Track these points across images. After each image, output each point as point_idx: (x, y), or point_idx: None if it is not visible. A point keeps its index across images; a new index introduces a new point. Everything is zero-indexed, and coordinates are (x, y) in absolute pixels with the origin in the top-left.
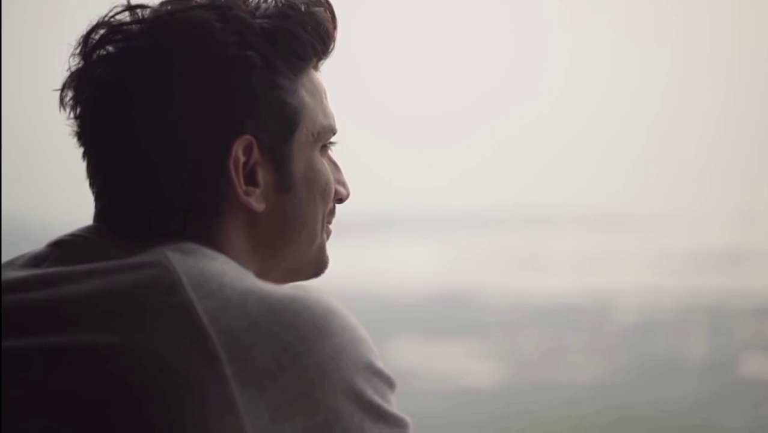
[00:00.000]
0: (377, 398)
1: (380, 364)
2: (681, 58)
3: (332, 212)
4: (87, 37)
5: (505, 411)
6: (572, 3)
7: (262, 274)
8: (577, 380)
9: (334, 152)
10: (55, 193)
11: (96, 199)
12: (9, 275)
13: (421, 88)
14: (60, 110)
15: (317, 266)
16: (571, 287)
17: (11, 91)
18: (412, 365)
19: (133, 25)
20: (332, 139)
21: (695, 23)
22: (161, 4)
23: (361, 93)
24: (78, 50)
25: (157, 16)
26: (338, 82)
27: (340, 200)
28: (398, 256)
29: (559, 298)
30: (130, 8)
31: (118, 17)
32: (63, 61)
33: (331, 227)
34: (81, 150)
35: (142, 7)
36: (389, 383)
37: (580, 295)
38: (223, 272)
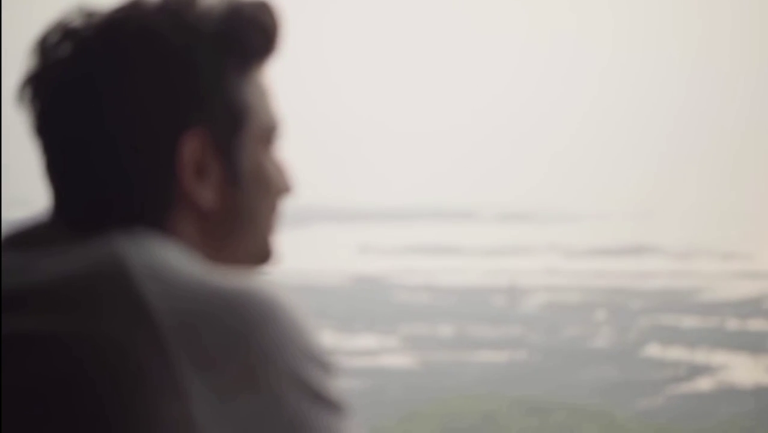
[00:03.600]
0: (318, 384)
1: (321, 351)
2: (590, 65)
3: (278, 206)
4: (43, 40)
5: (416, 391)
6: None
7: (211, 263)
8: (486, 362)
9: (280, 148)
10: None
11: (52, 192)
12: None
13: (353, 91)
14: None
15: (265, 256)
16: (483, 276)
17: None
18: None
19: (88, 29)
20: (278, 136)
21: (605, 31)
22: (114, 9)
23: (295, 94)
24: (35, 52)
25: (110, 20)
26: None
27: (285, 194)
28: (320, 246)
29: (470, 285)
30: (84, 13)
31: (73, 22)
32: None
33: (277, 219)
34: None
35: (96, 12)
36: (329, 369)
37: (492, 283)
38: (174, 261)
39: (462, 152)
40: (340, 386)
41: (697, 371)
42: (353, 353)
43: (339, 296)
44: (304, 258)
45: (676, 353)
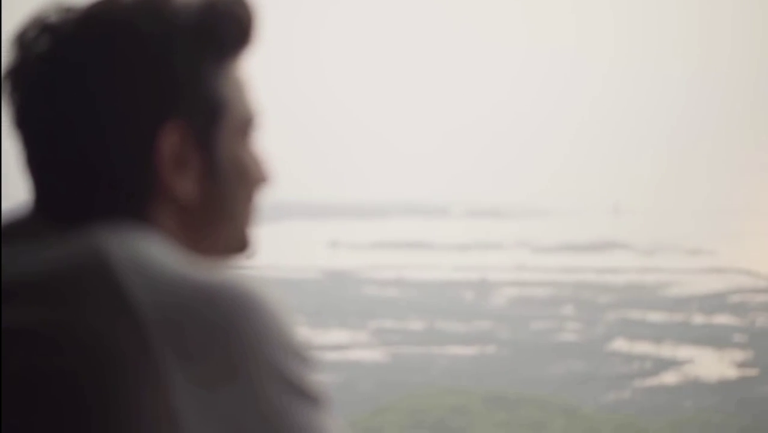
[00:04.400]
0: (297, 377)
1: (300, 345)
2: (562, 64)
3: (255, 196)
4: (22, 35)
5: (385, 385)
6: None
7: (191, 253)
8: (456, 356)
9: (257, 140)
10: None
11: (32, 185)
12: None
13: (334, 87)
14: None
15: (242, 246)
16: (453, 271)
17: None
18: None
19: (65, 24)
20: (255, 127)
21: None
22: (91, 4)
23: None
24: (14, 47)
25: (88, 15)
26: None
27: (262, 185)
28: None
29: (440, 280)
30: (62, 8)
31: (51, 17)
32: None
33: (254, 209)
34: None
35: (73, 7)
36: (308, 362)
37: (461, 278)
38: (156, 255)
39: (432, 149)
40: (318, 379)
41: (663, 365)
42: (324, 347)
43: (310, 291)
44: (276, 253)
45: (643, 348)
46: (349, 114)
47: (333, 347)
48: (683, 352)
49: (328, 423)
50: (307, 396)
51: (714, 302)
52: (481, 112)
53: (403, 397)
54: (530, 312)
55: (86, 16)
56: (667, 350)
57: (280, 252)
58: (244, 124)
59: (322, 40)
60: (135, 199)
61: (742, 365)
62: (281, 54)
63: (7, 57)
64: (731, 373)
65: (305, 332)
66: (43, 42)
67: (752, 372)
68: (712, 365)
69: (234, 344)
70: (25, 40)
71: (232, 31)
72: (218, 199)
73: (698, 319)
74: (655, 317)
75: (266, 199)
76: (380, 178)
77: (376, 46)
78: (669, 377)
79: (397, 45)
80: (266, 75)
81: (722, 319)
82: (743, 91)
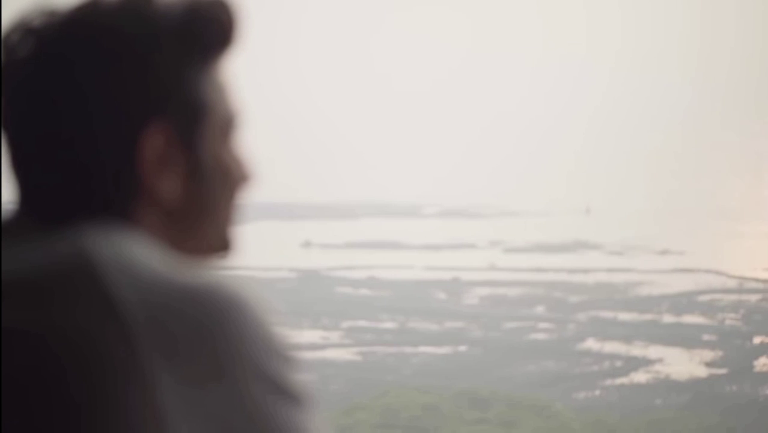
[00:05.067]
0: (281, 377)
1: (284, 346)
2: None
3: (237, 196)
4: (5, 38)
5: (358, 384)
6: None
7: (174, 253)
8: (428, 355)
9: (239, 140)
10: None
11: (18, 186)
12: None
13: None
14: None
15: (225, 245)
16: (425, 271)
17: None
18: None
19: (49, 28)
20: (236, 128)
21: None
22: (74, 7)
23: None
24: None
25: (71, 18)
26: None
27: (244, 185)
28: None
29: (412, 280)
30: (45, 12)
31: (34, 20)
32: None
33: (236, 209)
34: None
35: (57, 10)
36: (292, 362)
37: (434, 278)
38: (142, 256)
39: (404, 150)
40: (302, 379)
41: (633, 364)
42: (296, 347)
43: (282, 291)
44: (248, 254)
45: (614, 347)
46: (322, 115)
47: (306, 347)
48: (653, 351)
49: (311, 422)
50: (290, 396)
51: (683, 302)
52: (453, 115)
53: (376, 396)
54: (502, 312)
55: (70, 19)
56: (637, 350)
57: (253, 253)
58: (226, 125)
59: (301, 41)
60: (119, 200)
61: (711, 364)
62: (257, 55)
63: None
64: (701, 372)
65: (287, 332)
66: (27, 45)
67: (721, 371)
68: (682, 364)
69: (220, 345)
70: (9, 44)
71: (215, 34)
72: (201, 199)
73: (668, 318)
74: (626, 316)
75: (243, 199)
76: (353, 178)
77: (354, 48)
78: (639, 376)
79: (374, 47)
80: (242, 76)
81: (692, 318)
82: (711, 95)
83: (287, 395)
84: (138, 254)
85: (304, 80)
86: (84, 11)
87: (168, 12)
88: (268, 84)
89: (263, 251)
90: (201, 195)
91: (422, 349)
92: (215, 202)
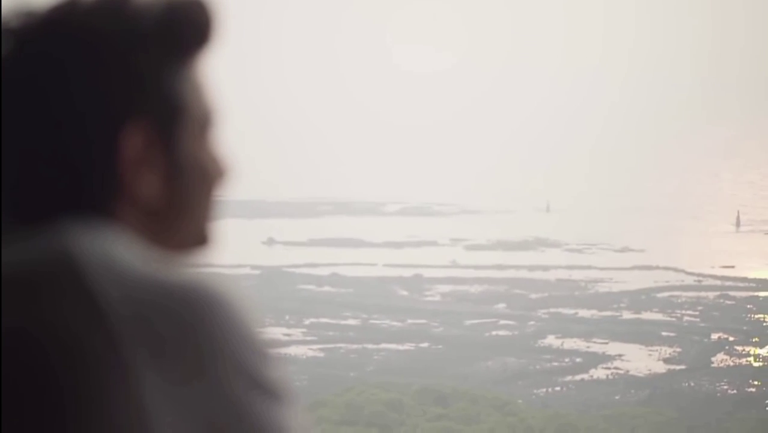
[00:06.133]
0: (262, 374)
1: (264, 343)
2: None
3: (214, 193)
4: None
5: (320, 380)
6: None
7: (154, 249)
8: (390, 351)
9: (215, 137)
10: None
11: (1, 186)
12: None
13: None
14: None
15: (203, 241)
16: (387, 268)
17: None
18: None
19: (26, 28)
20: (212, 125)
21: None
22: (52, 7)
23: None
24: None
25: (49, 18)
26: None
27: (220, 181)
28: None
29: (374, 277)
30: (23, 12)
31: (12, 21)
32: None
33: (214, 205)
34: None
35: (34, 11)
36: (271, 358)
37: (396, 275)
38: (126, 254)
39: (367, 149)
40: (282, 375)
41: (593, 360)
42: (275, 343)
43: (245, 288)
44: (212, 252)
45: (573, 343)
46: (285, 114)
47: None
48: (613, 348)
49: (291, 418)
50: (271, 392)
51: (643, 299)
52: (415, 115)
53: (338, 392)
54: (463, 309)
55: (48, 19)
56: (597, 346)
57: (216, 250)
58: (203, 123)
59: (265, 42)
60: (100, 199)
61: (669, 360)
62: (227, 54)
63: None
64: (659, 368)
65: (265, 329)
66: (4, 45)
67: (680, 367)
68: (641, 361)
69: (203, 342)
70: None
71: (192, 33)
72: (180, 197)
73: (627, 315)
74: (586, 313)
75: (220, 196)
76: (315, 176)
77: (320, 49)
78: (599, 373)
79: (340, 48)
80: (212, 75)
81: (651, 315)
82: (669, 97)
83: (268, 391)
84: (120, 251)
85: (267, 81)
86: (62, 11)
87: (146, 11)
88: (233, 84)
89: (226, 248)
90: (180, 193)
91: (384, 345)
92: (193, 200)
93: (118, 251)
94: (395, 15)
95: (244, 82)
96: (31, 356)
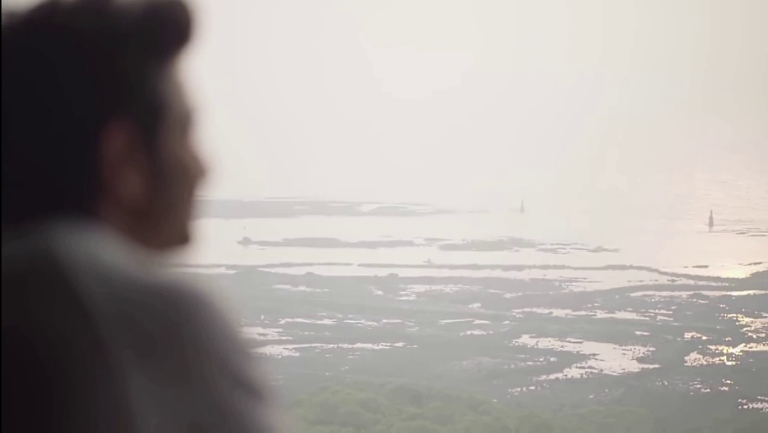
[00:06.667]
0: (246, 373)
1: (248, 343)
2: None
3: (196, 192)
4: None
5: (296, 380)
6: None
7: (137, 249)
8: (365, 351)
9: (196, 136)
10: None
11: None
12: None
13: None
14: None
15: (185, 240)
16: (362, 268)
17: None
18: None
19: (8, 29)
20: (193, 124)
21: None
22: (33, 8)
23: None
24: None
25: (30, 19)
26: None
27: (202, 180)
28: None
29: (350, 277)
30: (4, 12)
31: None
32: None
33: (195, 204)
34: None
35: (15, 11)
36: (254, 358)
37: (371, 275)
38: (110, 254)
39: (342, 149)
40: (265, 375)
41: (567, 359)
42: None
43: (224, 288)
44: (194, 251)
45: (548, 343)
46: (260, 113)
47: None
48: (587, 347)
49: (274, 417)
50: (254, 391)
51: (616, 298)
52: (390, 115)
53: (314, 392)
54: (438, 308)
55: (29, 19)
56: (571, 345)
57: (198, 249)
58: (184, 122)
59: (238, 41)
60: (83, 198)
61: (643, 359)
62: (204, 53)
63: None
64: (633, 367)
65: (248, 329)
66: None
67: (653, 366)
68: (615, 360)
69: (188, 342)
70: None
71: (173, 33)
72: (162, 196)
73: (601, 315)
74: (560, 313)
75: (202, 195)
76: (291, 176)
77: (297, 48)
78: (573, 372)
79: (318, 49)
80: (195, 74)
81: (624, 315)
82: (644, 96)
83: (252, 390)
84: (105, 251)
85: (246, 78)
86: (43, 11)
87: (127, 12)
88: (208, 82)
89: (201, 248)
90: (162, 192)
91: (360, 345)
92: (176, 199)
93: (102, 250)
94: (375, 16)
95: (224, 82)
96: (13, 356)
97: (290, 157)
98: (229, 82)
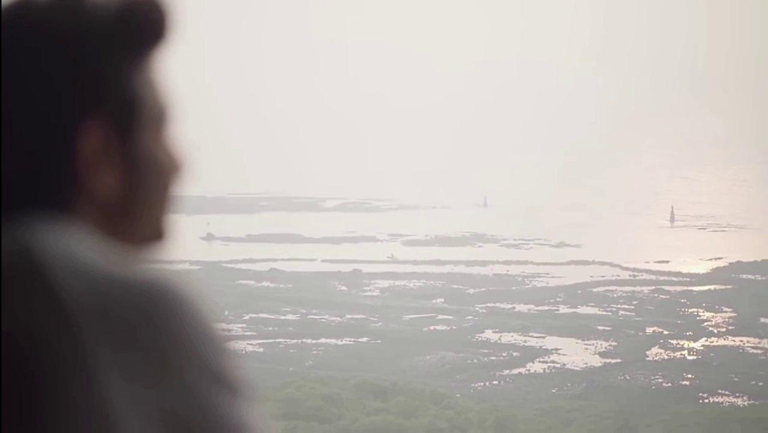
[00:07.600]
0: (222, 369)
1: (222, 339)
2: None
3: (170, 188)
4: None
5: (260, 375)
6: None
7: (112, 244)
8: (329, 346)
9: (170, 133)
10: None
11: None
12: None
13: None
14: None
15: (159, 235)
16: (326, 263)
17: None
18: None
19: None
20: (167, 121)
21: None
22: (6, 7)
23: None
24: None
25: (5, 17)
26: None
27: (176, 176)
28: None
29: (313, 272)
30: None
31: None
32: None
33: (170, 200)
34: None
35: None
36: (229, 354)
37: (334, 270)
38: (86, 250)
39: (305, 144)
40: (239, 369)
41: (530, 354)
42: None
43: (197, 284)
44: (168, 246)
45: (511, 338)
46: (224, 109)
47: None
48: (549, 342)
49: (250, 411)
50: (231, 386)
51: (579, 293)
52: (353, 110)
53: (278, 387)
54: (402, 303)
55: (3, 18)
56: (534, 340)
57: (172, 244)
58: (158, 119)
59: (208, 36)
60: (59, 195)
61: (605, 353)
62: (173, 50)
63: None
64: (595, 361)
65: (223, 325)
66: None
67: (615, 360)
68: (577, 354)
69: (165, 339)
70: None
71: (147, 31)
72: (137, 192)
73: (564, 310)
74: (523, 308)
75: (176, 190)
76: (254, 172)
77: (261, 45)
78: (536, 366)
79: (280, 44)
80: (166, 73)
81: (587, 309)
82: (610, 92)
83: (229, 385)
84: (80, 247)
85: (209, 75)
86: (17, 10)
87: (101, 9)
88: (175, 78)
89: (164, 244)
90: (137, 188)
91: (324, 340)
92: (150, 195)
93: (79, 247)
94: (355, 14)
95: (178, 78)
96: (4, 352)
97: (254, 152)
98: (196, 78)
